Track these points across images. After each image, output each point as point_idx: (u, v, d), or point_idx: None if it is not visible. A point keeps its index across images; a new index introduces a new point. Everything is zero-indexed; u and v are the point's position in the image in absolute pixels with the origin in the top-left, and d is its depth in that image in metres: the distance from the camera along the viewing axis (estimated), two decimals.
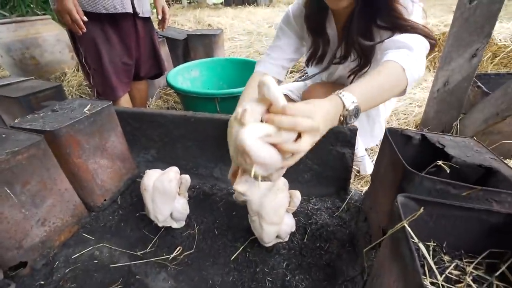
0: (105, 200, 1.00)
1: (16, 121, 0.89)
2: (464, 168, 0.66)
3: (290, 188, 0.78)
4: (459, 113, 1.26)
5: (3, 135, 0.79)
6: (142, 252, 0.84)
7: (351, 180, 1.11)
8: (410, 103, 1.88)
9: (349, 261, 0.79)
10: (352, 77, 1.00)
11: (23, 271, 0.77)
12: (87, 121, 0.90)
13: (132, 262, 0.81)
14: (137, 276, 0.77)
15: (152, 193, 0.78)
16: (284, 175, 0.68)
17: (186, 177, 0.81)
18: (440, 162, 0.67)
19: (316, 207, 0.97)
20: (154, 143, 1.15)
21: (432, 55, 2.40)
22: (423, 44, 0.75)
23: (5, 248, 0.72)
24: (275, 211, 0.66)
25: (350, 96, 0.58)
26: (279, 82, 0.93)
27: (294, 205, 0.70)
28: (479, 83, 1.22)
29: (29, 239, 0.77)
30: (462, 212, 0.54)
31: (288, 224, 0.75)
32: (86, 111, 0.92)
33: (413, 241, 0.46)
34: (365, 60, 0.92)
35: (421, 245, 0.46)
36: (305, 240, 0.86)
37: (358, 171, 1.27)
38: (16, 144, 0.74)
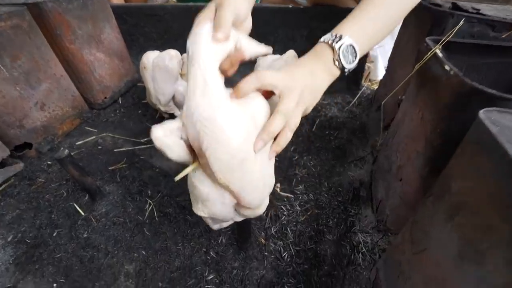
0: (105, 97, 0.96)
1: None
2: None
3: None
4: None
5: None
6: (146, 139, 0.82)
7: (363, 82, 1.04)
8: None
9: (359, 145, 0.77)
10: None
11: (29, 153, 0.77)
12: (76, 2, 0.81)
13: (137, 147, 0.80)
14: (141, 157, 0.76)
15: (152, 70, 0.73)
16: None
17: None
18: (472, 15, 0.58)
19: (326, 102, 0.92)
20: (153, 42, 1.07)
21: None
22: None
23: (6, 124, 0.70)
24: None
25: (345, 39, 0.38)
26: None
27: None
28: None
29: (30, 120, 0.75)
30: (495, 58, 0.48)
31: None
32: None
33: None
34: None
35: (453, 67, 0.40)
36: (313, 130, 0.82)
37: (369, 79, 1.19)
38: None
